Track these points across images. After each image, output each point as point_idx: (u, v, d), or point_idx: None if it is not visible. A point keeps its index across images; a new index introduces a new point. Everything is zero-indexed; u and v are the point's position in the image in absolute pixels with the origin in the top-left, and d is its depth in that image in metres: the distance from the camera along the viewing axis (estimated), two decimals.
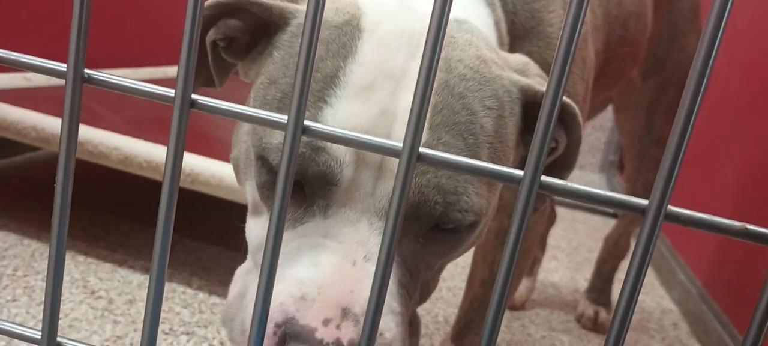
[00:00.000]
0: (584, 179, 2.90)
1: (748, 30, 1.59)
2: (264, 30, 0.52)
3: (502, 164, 0.49)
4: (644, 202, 0.26)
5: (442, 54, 0.47)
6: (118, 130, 1.19)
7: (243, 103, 0.35)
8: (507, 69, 0.51)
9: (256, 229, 0.52)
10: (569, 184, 0.27)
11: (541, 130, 0.26)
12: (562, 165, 0.55)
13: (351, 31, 0.47)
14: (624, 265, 1.61)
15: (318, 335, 0.40)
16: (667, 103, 1.16)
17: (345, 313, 0.40)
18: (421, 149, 0.28)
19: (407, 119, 0.44)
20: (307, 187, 0.45)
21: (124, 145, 1.13)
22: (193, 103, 0.29)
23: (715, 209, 1.55)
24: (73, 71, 0.29)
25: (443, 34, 0.26)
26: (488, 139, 0.47)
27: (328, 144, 0.43)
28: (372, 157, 0.43)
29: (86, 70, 0.30)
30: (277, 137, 0.45)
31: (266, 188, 0.48)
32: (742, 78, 1.58)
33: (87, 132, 1.15)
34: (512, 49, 0.68)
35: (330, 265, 0.42)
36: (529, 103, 0.52)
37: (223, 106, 0.29)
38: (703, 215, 0.26)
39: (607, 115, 2.89)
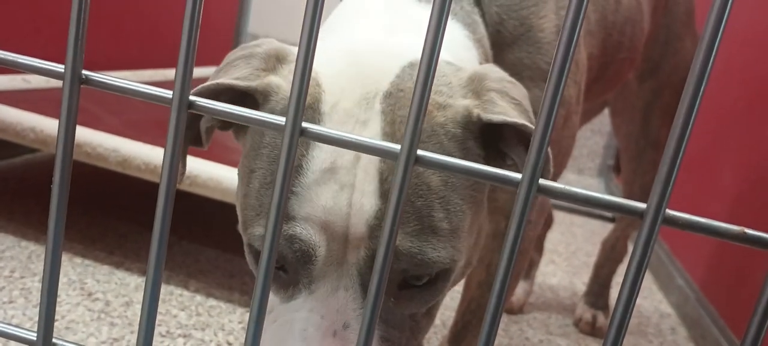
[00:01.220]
0: (582, 183, 2.90)
1: (746, 34, 1.59)
2: (250, 99, 0.54)
3: (464, 209, 0.50)
4: (642, 205, 0.26)
5: (390, 117, 0.49)
6: (117, 133, 1.19)
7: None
8: (456, 100, 0.51)
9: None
10: (567, 187, 0.27)
11: (539, 133, 0.26)
12: None
13: (312, 116, 0.50)
14: (622, 269, 1.61)
15: None
16: (663, 107, 1.16)
17: None
18: (419, 152, 0.28)
19: (363, 190, 0.47)
20: (290, 271, 0.50)
21: (123, 147, 1.13)
22: (191, 105, 0.29)
23: (712, 213, 1.55)
24: (71, 72, 0.29)
25: (442, 33, 0.26)
26: (438, 195, 0.49)
27: (299, 231, 0.48)
28: (338, 231, 0.48)
29: (84, 72, 0.30)
30: (259, 230, 0.50)
31: (254, 269, 0.54)
32: (740, 82, 1.58)
33: (85, 134, 1.15)
34: (500, 57, 0.69)
35: (315, 337, 0.48)
36: (484, 128, 0.52)
37: (221, 109, 0.29)
38: (701, 219, 0.26)
39: (606, 120, 2.89)
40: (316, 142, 0.48)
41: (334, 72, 0.52)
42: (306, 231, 0.48)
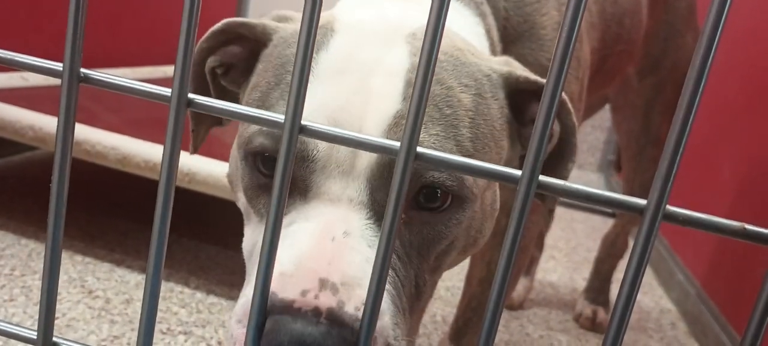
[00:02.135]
0: (583, 179, 2.90)
1: (746, 30, 1.59)
2: (257, 54, 0.55)
3: (488, 145, 0.49)
4: (643, 202, 0.26)
5: (417, 45, 0.48)
6: (116, 130, 1.19)
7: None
8: (492, 63, 0.53)
9: (247, 237, 0.53)
10: (568, 183, 0.27)
11: (539, 130, 0.26)
12: (561, 156, 0.55)
13: (323, 31, 0.49)
14: (622, 264, 1.61)
15: (296, 305, 0.40)
16: (664, 103, 1.16)
17: (323, 283, 0.41)
18: (419, 149, 0.28)
19: (383, 93, 0.45)
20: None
21: (122, 145, 1.13)
22: (190, 103, 0.29)
23: (713, 209, 1.55)
24: (69, 70, 0.29)
25: (441, 33, 0.26)
26: (467, 113, 0.47)
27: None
28: (348, 130, 0.44)
29: (83, 70, 0.29)
30: (258, 131, 0.47)
31: (251, 188, 0.49)
32: (741, 78, 1.58)
33: (85, 132, 1.15)
34: (505, 52, 0.69)
35: (307, 242, 0.43)
36: (514, 92, 0.53)
37: (220, 106, 0.29)
38: (702, 215, 0.26)
39: (606, 115, 2.89)
40: (327, 48, 0.48)
41: (350, 8, 0.53)
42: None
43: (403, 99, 0.45)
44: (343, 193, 0.44)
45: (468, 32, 0.60)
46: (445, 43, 0.50)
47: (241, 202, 0.53)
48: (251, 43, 0.55)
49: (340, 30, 0.49)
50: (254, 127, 0.47)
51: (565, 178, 0.55)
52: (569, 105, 0.52)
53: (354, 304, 0.40)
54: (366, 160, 0.44)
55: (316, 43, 0.48)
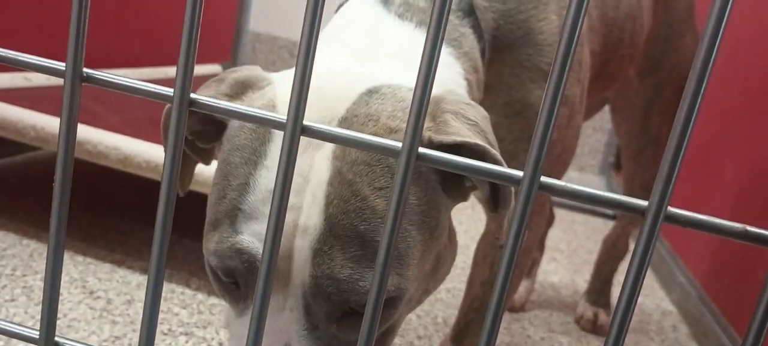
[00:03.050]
0: (584, 181, 2.90)
1: (747, 31, 1.59)
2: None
3: (411, 234, 0.49)
4: (644, 203, 0.26)
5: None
6: (118, 130, 1.19)
7: None
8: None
9: (225, 312, 0.58)
10: (569, 185, 0.27)
11: (540, 129, 0.26)
12: (497, 202, 0.54)
13: (262, 134, 0.50)
14: (623, 266, 1.61)
15: None
16: (664, 104, 1.16)
17: None
18: (421, 150, 0.28)
19: (309, 212, 0.47)
20: (241, 285, 0.51)
21: (124, 145, 1.13)
22: (192, 103, 0.29)
23: (714, 211, 1.55)
24: (72, 70, 0.29)
25: (442, 36, 0.26)
26: (383, 219, 0.48)
27: (245, 243, 0.48)
28: (284, 250, 0.48)
29: (85, 70, 0.30)
30: (212, 245, 0.50)
31: (217, 288, 0.54)
32: (742, 79, 1.58)
33: (86, 132, 1.15)
34: (499, 60, 0.69)
35: None
36: (443, 148, 0.50)
37: (222, 106, 0.29)
38: (703, 217, 0.26)
39: (607, 117, 2.89)
40: (264, 162, 0.49)
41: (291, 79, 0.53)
42: (252, 243, 0.48)
43: (324, 218, 0.47)
44: (285, 304, 0.49)
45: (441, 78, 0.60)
46: (369, 132, 0.50)
47: None
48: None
49: (277, 134, 0.50)
50: (211, 246, 0.50)
51: (501, 224, 0.54)
52: (497, 155, 0.50)
53: None
54: (299, 274, 0.48)
55: (255, 149, 0.50)
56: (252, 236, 0.48)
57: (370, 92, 0.52)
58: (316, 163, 0.48)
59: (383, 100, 0.51)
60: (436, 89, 0.54)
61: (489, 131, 0.53)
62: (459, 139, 0.48)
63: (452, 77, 0.62)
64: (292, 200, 0.47)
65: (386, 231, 0.28)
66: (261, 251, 0.47)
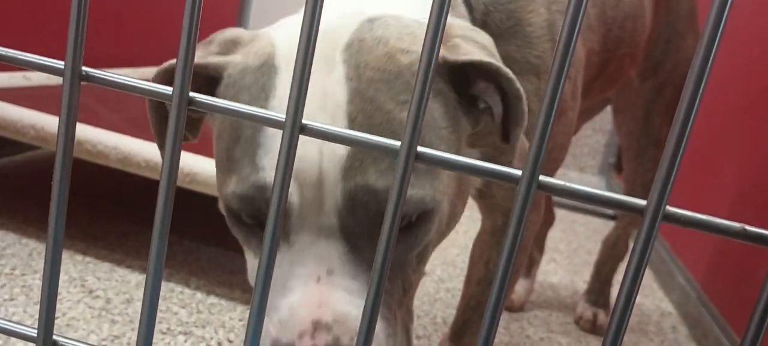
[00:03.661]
0: (584, 181, 2.90)
1: (747, 31, 1.59)
2: (214, 82, 0.55)
3: (439, 148, 0.49)
4: (643, 202, 0.26)
5: (354, 62, 0.49)
6: (117, 130, 1.19)
7: None
8: (420, 48, 0.51)
9: (249, 268, 0.56)
10: (568, 184, 0.27)
11: (538, 133, 0.26)
12: (510, 122, 0.54)
13: (268, 71, 0.50)
14: (623, 267, 1.61)
15: None
16: (665, 104, 1.16)
17: (317, 325, 0.46)
18: (419, 149, 0.28)
19: (330, 146, 0.46)
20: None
21: (123, 144, 1.13)
22: (191, 101, 0.29)
23: (713, 211, 1.55)
24: (71, 69, 0.29)
25: (441, 37, 0.26)
26: None
27: (268, 179, 0.47)
28: (310, 178, 0.47)
29: (84, 68, 0.30)
30: (231, 186, 0.49)
31: (240, 234, 0.53)
32: (741, 79, 1.58)
33: (86, 131, 1.15)
34: None
35: (297, 288, 0.47)
36: (457, 74, 0.51)
37: (221, 105, 0.29)
38: (702, 216, 0.26)
39: (607, 118, 2.89)
40: (275, 94, 0.48)
41: (290, 34, 0.52)
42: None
43: None
44: (319, 232, 0.48)
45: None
46: (379, 53, 0.49)
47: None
48: (205, 75, 0.55)
49: (283, 67, 0.50)
50: (229, 188, 0.49)
51: (513, 144, 0.54)
52: (508, 72, 0.51)
53: (348, 336, 0.45)
54: (331, 196, 0.47)
55: (263, 86, 0.49)
56: (274, 169, 0.47)
57: (372, 20, 0.52)
58: (330, 88, 0.48)
59: (387, 26, 0.51)
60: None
61: (496, 54, 0.54)
62: (472, 58, 0.49)
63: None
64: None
65: (386, 228, 0.28)
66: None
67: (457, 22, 0.54)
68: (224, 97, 0.52)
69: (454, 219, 0.56)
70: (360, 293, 0.48)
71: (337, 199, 0.47)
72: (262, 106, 0.48)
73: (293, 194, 0.47)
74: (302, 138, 0.47)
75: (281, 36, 0.53)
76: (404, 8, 0.56)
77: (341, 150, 0.46)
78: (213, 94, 0.55)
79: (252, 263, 0.54)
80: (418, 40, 0.52)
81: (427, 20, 0.60)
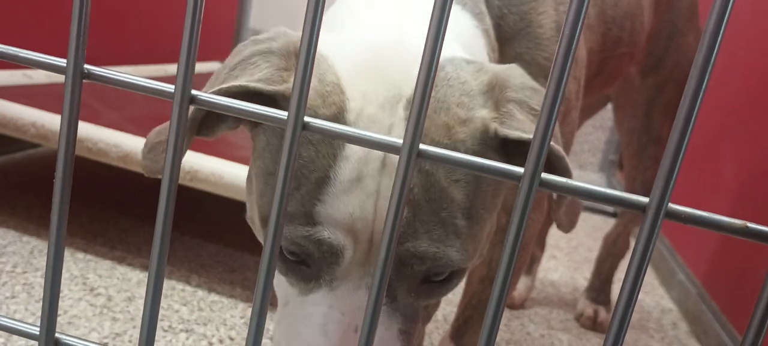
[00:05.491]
0: (584, 179, 2.90)
1: (748, 29, 1.59)
2: (274, 101, 0.53)
3: (483, 217, 0.51)
4: (645, 199, 0.26)
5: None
6: (118, 128, 1.19)
7: None
8: (476, 111, 0.50)
9: (278, 287, 0.57)
10: (569, 181, 0.27)
11: (541, 129, 0.26)
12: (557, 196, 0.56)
13: (337, 122, 0.49)
14: (623, 264, 1.61)
15: None
16: (665, 102, 1.16)
17: None
18: (422, 146, 0.28)
19: (388, 195, 0.47)
20: (313, 266, 0.51)
21: (124, 142, 1.13)
22: (193, 100, 0.29)
23: (714, 209, 1.55)
24: (73, 66, 0.29)
25: (443, 34, 0.26)
26: (460, 207, 0.49)
27: (327, 236, 0.48)
28: (364, 235, 0.48)
29: (86, 66, 0.30)
30: (286, 231, 0.49)
31: (281, 268, 0.53)
32: (742, 77, 1.58)
33: (87, 129, 1.15)
34: (500, 51, 0.69)
35: (336, 333, 0.49)
36: (504, 141, 0.51)
37: (224, 103, 0.29)
38: (704, 213, 0.26)
39: (608, 115, 2.89)
40: (343, 153, 0.48)
41: (355, 74, 0.51)
42: (334, 235, 0.48)
43: (407, 204, 0.48)
44: (361, 284, 0.50)
45: (468, 36, 0.60)
46: (439, 122, 0.49)
47: None
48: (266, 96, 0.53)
49: (353, 123, 0.49)
50: (288, 231, 0.49)
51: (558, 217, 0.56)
52: (559, 150, 0.50)
53: None
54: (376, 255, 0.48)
55: (332, 143, 0.49)
56: (334, 227, 0.48)
57: (442, 66, 0.52)
58: (390, 155, 0.48)
59: (450, 84, 0.51)
60: (496, 67, 0.54)
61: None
62: (523, 136, 0.48)
63: (482, 52, 0.62)
64: (370, 186, 0.48)
65: (387, 226, 0.28)
66: (343, 241, 0.48)
67: (516, 77, 0.52)
68: (273, 132, 0.52)
69: (478, 259, 0.58)
70: (392, 341, 0.51)
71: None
72: (329, 165, 0.48)
73: (347, 248, 0.49)
74: (359, 196, 0.48)
75: (346, 73, 0.51)
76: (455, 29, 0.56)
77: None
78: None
79: (287, 289, 0.55)
80: (473, 100, 0.51)
81: (468, 47, 0.59)
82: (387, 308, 0.51)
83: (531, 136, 0.47)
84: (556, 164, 0.51)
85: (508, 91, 0.51)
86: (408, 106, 0.50)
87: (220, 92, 0.49)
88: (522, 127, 0.49)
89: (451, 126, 0.50)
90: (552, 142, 0.49)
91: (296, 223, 0.49)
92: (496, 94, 0.52)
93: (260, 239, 0.57)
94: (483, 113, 0.50)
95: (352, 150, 0.48)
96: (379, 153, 0.48)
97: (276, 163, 0.51)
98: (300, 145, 0.50)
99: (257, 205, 0.53)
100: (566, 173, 0.51)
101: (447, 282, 0.53)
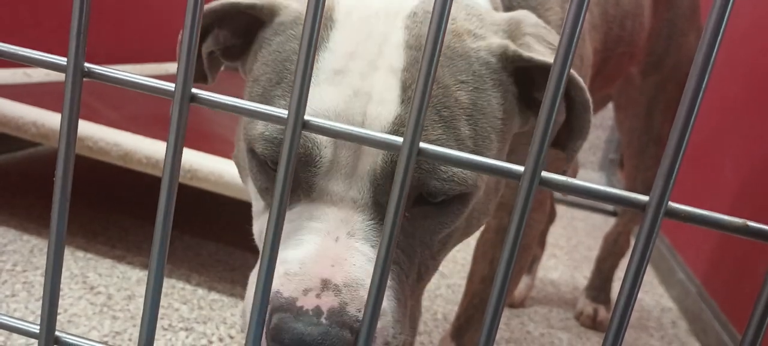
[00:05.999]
0: (584, 177, 2.90)
1: (748, 28, 1.59)
2: (256, 26, 0.53)
3: (489, 137, 0.48)
4: (645, 197, 0.26)
5: (416, 31, 0.47)
6: (119, 127, 1.19)
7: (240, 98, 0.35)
8: (490, 36, 0.50)
9: (256, 223, 0.53)
10: (570, 179, 0.27)
11: (541, 129, 0.26)
12: (571, 132, 0.53)
13: (324, 22, 0.48)
14: (623, 263, 1.61)
15: (298, 303, 0.41)
16: (666, 101, 1.16)
17: (325, 284, 0.42)
18: (422, 145, 0.28)
19: (382, 98, 0.44)
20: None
21: (124, 141, 1.13)
22: (193, 98, 0.29)
23: (714, 207, 1.55)
24: (73, 65, 0.29)
25: (444, 30, 0.26)
26: (465, 111, 0.46)
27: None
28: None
29: (86, 64, 0.30)
30: (259, 128, 0.47)
31: (260, 180, 0.50)
32: (742, 76, 1.58)
33: (87, 128, 1.15)
34: None
35: (312, 243, 0.44)
36: (520, 68, 0.50)
37: (223, 101, 0.29)
38: (704, 212, 0.26)
39: (608, 114, 2.88)
40: (327, 45, 0.46)
41: None
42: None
43: (401, 102, 0.45)
44: (346, 194, 0.45)
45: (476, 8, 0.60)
46: (448, 28, 0.47)
47: (250, 186, 0.53)
48: (246, 21, 0.53)
49: (340, 21, 0.48)
50: (258, 129, 0.47)
51: (572, 155, 0.53)
52: (580, 81, 0.49)
53: (356, 306, 0.42)
54: (369, 162, 0.45)
55: (322, 34, 0.47)
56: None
57: None
58: (387, 52, 0.46)
59: (457, 4, 0.50)
60: (510, 12, 0.53)
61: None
62: (543, 59, 0.47)
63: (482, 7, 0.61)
64: (358, 84, 0.45)
65: (387, 226, 0.28)
66: (319, 138, 0.44)
67: (531, 19, 0.52)
68: (269, 43, 0.50)
69: (484, 215, 0.54)
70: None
71: (374, 168, 0.45)
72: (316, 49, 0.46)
73: (326, 146, 0.45)
74: (346, 82, 0.45)
75: None
76: None
77: (388, 115, 0.44)
78: (252, 37, 0.53)
79: (261, 218, 0.51)
80: (486, 26, 0.50)
81: (493, 8, 0.58)
82: (374, 227, 0.45)
83: (552, 61, 0.48)
84: (575, 96, 0.50)
85: (524, 26, 0.51)
86: (409, 16, 0.47)
87: (207, 12, 0.50)
88: (541, 52, 0.48)
89: (460, 34, 0.48)
90: (572, 71, 0.47)
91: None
92: (512, 28, 0.51)
93: (244, 183, 0.55)
94: (499, 40, 0.49)
95: (337, 43, 0.46)
96: (369, 55, 0.46)
97: (263, 68, 0.50)
98: (287, 41, 0.49)
99: (246, 128, 0.49)
100: (585, 107, 0.50)
101: (445, 208, 0.47)
